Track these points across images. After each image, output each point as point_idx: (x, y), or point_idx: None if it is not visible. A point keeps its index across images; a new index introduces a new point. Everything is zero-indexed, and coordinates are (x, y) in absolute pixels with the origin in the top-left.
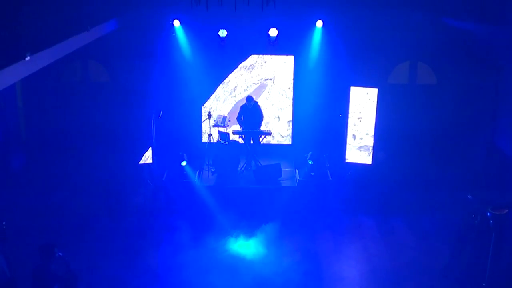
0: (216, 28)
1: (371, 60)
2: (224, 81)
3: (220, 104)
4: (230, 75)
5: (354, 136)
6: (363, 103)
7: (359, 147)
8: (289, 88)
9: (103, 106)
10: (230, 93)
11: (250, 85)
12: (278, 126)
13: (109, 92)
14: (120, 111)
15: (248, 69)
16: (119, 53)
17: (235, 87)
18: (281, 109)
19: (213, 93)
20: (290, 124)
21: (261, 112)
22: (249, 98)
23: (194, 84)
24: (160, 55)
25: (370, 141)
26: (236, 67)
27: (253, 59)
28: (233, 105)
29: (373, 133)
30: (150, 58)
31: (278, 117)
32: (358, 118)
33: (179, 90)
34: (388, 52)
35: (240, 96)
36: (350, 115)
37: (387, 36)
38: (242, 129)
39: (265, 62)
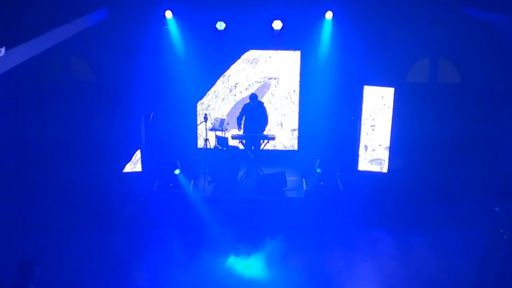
0: (213, 20)
1: (387, 56)
2: (225, 73)
3: (219, 103)
4: (232, 67)
5: (365, 147)
6: (377, 109)
7: (371, 160)
8: (294, 91)
9: (86, 108)
10: (231, 91)
11: (252, 84)
12: (280, 135)
13: (93, 92)
14: (106, 113)
15: (251, 63)
16: (105, 48)
17: (236, 83)
18: (284, 115)
19: (210, 94)
20: (294, 133)
21: (266, 114)
22: (253, 96)
23: (189, 83)
24: (150, 51)
25: (383, 154)
26: (237, 60)
27: (257, 52)
28: (232, 106)
29: (386, 145)
30: (139, 54)
31: (281, 124)
32: (371, 127)
33: (171, 90)
34: (406, 47)
35: (240, 96)
36: (363, 121)
37: (405, 29)
38: (243, 132)
39: (270, 57)
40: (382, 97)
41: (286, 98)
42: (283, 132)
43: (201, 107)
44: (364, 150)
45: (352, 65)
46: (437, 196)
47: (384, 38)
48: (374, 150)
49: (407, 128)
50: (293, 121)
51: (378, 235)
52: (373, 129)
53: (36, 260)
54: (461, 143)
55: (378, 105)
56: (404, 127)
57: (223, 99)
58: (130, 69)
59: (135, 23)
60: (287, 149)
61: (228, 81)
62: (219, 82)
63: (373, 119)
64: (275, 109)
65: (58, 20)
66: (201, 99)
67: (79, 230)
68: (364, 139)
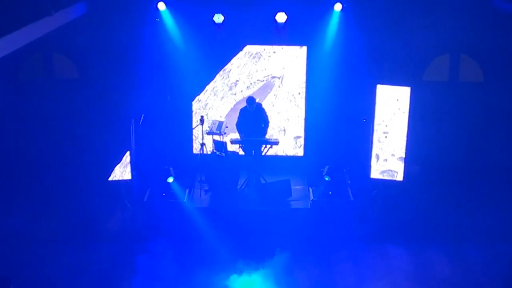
0: (210, 12)
1: (403, 52)
2: (226, 67)
3: (218, 101)
4: (233, 61)
5: (377, 156)
6: (391, 114)
7: (382, 171)
8: (299, 93)
9: (69, 110)
10: (230, 88)
11: (254, 82)
12: (283, 142)
13: (77, 92)
14: (91, 116)
15: (254, 57)
16: (91, 43)
17: (237, 81)
18: (287, 119)
19: (208, 90)
20: (298, 141)
21: (266, 117)
22: (250, 100)
23: (183, 82)
24: (141, 46)
25: (396, 165)
26: (239, 53)
27: (260, 46)
28: (232, 106)
29: (400, 155)
30: (128, 50)
31: (284, 130)
32: (384, 133)
33: (164, 89)
34: (423, 42)
35: (241, 95)
36: (375, 127)
37: (422, 22)
38: (243, 137)
39: (274, 52)
40: (397, 100)
41: (290, 101)
42: (286, 139)
43: (198, 105)
44: (376, 159)
45: (364, 62)
46: (458, 207)
47: (399, 32)
48: (386, 161)
49: (425, 132)
50: (297, 128)
51: (392, 250)
52: (386, 136)
53: (11, 277)
54: (485, 149)
55: (392, 109)
56: (421, 130)
57: (222, 97)
58: (118, 67)
59: (124, 16)
60: (294, 150)
61: (229, 77)
62: (218, 77)
63: (386, 125)
64: (278, 112)
65: (38, 12)
66: (198, 95)
67: (61, 244)
68: (375, 147)
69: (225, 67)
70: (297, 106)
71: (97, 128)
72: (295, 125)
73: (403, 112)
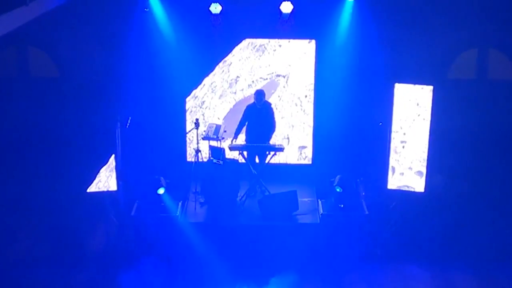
0: (206, 1)
1: (424, 47)
2: (226, 59)
3: (216, 100)
4: (234, 52)
5: (393, 169)
6: (410, 120)
7: (398, 186)
8: (306, 96)
9: (48, 111)
10: (230, 86)
11: (257, 80)
12: (286, 152)
13: (57, 91)
14: (73, 118)
15: (257, 50)
16: (72, 37)
17: (237, 77)
18: (292, 126)
19: (206, 84)
20: (304, 152)
21: (273, 118)
22: (259, 93)
23: (176, 80)
24: (128, 39)
25: (414, 180)
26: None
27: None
28: (231, 107)
29: (418, 169)
30: (114, 44)
31: (288, 139)
32: (401, 143)
33: (154, 88)
34: (447, 35)
35: (241, 94)
36: (392, 134)
37: (447, 13)
38: (247, 138)
39: (280, 46)
40: (417, 104)
41: (296, 105)
42: (289, 148)
43: (194, 102)
44: (391, 172)
45: (381, 58)
46: (487, 223)
47: (420, 24)
48: (402, 174)
49: (449, 136)
50: (303, 136)
51: (412, 271)
52: (403, 146)
53: None
54: None
55: (411, 114)
56: (445, 135)
57: (221, 95)
58: (102, 63)
59: (110, 6)
60: (299, 162)
61: (229, 71)
62: (217, 70)
63: (404, 133)
64: (282, 117)
65: (11, 0)
66: (195, 88)
67: (36, 264)
68: (391, 159)
69: (226, 60)
70: (303, 111)
71: (79, 133)
72: (300, 133)
73: (424, 119)
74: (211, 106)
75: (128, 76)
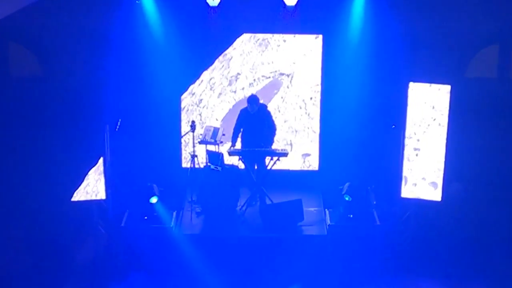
0: None
1: (441, 42)
2: (226, 52)
3: (214, 98)
4: (236, 45)
5: (405, 179)
6: (424, 125)
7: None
8: (311, 98)
9: (31, 113)
10: (230, 83)
11: (258, 78)
12: (288, 159)
13: (40, 91)
14: (58, 120)
15: (260, 44)
16: (56, 33)
17: (238, 74)
18: (295, 131)
19: (204, 80)
20: (307, 160)
21: (272, 121)
22: (252, 99)
23: (170, 77)
24: (117, 34)
25: (427, 191)
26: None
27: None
28: (231, 107)
29: (432, 180)
30: (102, 40)
31: (291, 145)
32: (415, 150)
33: (146, 87)
34: (467, 30)
35: (242, 94)
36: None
37: (466, 6)
38: (243, 146)
39: (284, 41)
40: (433, 107)
41: (300, 108)
42: (292, 156)
43: (191, 100)
44: (403, 183)
45: (394, 55)
46: (509, 236)
47: (437, 18)
48: (415, 185)
49: (469, 141)
50: (307, 142)
51: (427, 286)
52: (416, 154)
53: None
54: None
55: (426, 119)
56: (464, 138)
57: (220, 94)
58: (91, 61)
59: None
60: (304, 169)
61: (229, 66)
62: (217, 64)
63: (418, 140)
64: (285, 121)
65: None
66: (193, 83)
67: (17, 281)
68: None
69: (226, 53)
70: (308, 115)
71: (64, 136)
72: (304, 139)
73: (439, 124)
74: (209, 105)
75: (118, 74)
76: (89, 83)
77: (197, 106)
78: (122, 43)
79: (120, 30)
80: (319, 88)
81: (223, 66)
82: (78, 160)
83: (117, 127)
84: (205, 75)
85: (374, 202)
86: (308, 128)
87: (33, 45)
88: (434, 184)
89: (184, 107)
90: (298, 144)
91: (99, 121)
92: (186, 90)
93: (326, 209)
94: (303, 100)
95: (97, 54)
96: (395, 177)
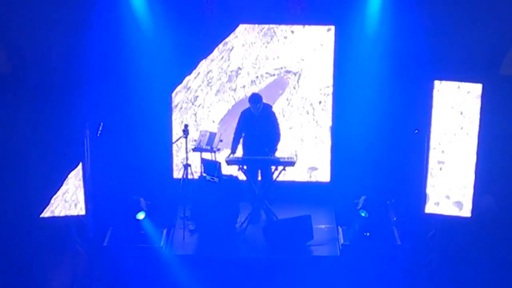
0: None
1: (471, 36)
2: (226, 41)
3: (211, 96)
4: (238, 34)
5: (427, 197)
6: (451, 134)
7: None
8: (320, 102)
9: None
10: (230, 80)
11: (262, 75)
12: (294, 171)
13: (11, 90)
14: (31, 123)
15: (265, 34)
16: (29, 25)
17: (239, 68)
18: (302, 140)
19: (200, 74)
20: (313, 174)
21: (277, 124)
22: (254, 98)
23: (160, 72)
24: (99, 28)
25: (451, 211)
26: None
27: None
28: (230, 107)
29: (457, 200)
30: (81, 33)
31: (296, 155)
32: (439, 163)
33: (132, 87)
34: (500, 22)
35: (243, 92)
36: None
37: None
38: (244, 154)
39: (292, 32)
40: (461, 113)
41: (308, 113)
42: (297, 167)
43: (185, 96)
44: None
45: (417, 50)
46: None
47: (465, 8)
48: (438, 204)
49: (503, 148)
50: (314, 154)
51: None
52: (440, 168)
53: None
54: None
55: (453, 126)
56: (497, 144)
57: (218, 91)
58: (68, 57)
59: None
60: (313, 180)
61: (229, 59)
62: (216, 53)
63: (443, 151)
64: (290, 128)
65: None
66: (189, 74)
67: None
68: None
69: (226, 42)
70: (316, 122)
71: (38, 142)
72: (311, 150)
73: (467, 134)
74: (205, 104)
75: (99, 71)
76: (65, 82)
77: (192, 104)
78: (104, 34)
79: (102, 19)
80: (329, 90)
81: (222, 57)
82: (55, 169)
83: (99, 132)
84: (203, 66)
85: (394, 219)
86: (315, 137)
87: (3, 39)
88: (459, 204)
89: (177, 105)
90: (304, 156)
91: (78, 125)
92: (180, 82)
93: (339, 227)
94: (311, 104)
95: (75, 47)
96: (418, 189)
